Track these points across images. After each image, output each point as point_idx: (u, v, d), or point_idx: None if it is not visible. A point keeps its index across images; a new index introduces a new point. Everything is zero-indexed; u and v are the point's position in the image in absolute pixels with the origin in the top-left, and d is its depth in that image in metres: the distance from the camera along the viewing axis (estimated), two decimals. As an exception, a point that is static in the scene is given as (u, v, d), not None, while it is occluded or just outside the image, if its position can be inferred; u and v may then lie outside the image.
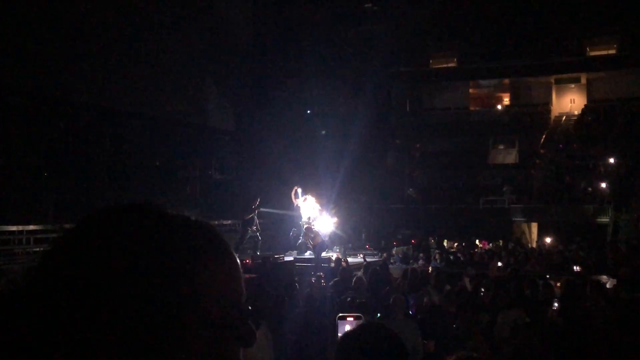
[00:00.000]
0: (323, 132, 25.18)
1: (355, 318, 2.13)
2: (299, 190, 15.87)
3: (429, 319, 6.26)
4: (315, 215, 15.75)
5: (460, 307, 6.54)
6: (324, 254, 14.97)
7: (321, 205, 16.38)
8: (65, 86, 16.41)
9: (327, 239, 15.70)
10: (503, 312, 6.45)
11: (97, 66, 17.06)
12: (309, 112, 25.59)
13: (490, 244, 20.44)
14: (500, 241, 20.09)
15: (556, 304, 6.89)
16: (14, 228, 13.36)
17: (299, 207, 15.86)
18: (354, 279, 9.39)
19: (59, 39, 16.04)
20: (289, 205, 16.41)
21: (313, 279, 9.54)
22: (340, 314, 2.19)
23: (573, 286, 7.76)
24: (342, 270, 11.27)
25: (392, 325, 5.51)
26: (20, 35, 14.93)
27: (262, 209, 15.67)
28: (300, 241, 15.99)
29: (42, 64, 15.46)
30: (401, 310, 6.04)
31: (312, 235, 15.32)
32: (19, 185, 15.20)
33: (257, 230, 15.32)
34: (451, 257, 19.02)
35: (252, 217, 15.18)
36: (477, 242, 20.87)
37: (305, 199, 15.84)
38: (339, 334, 1.92)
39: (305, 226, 15.57)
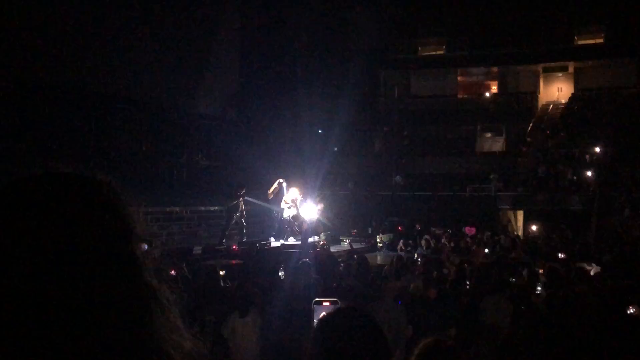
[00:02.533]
0: (310, 122, 25.10)
1: (332, 303, 2.09)
2: (284, 185, 15.86)
3: (412, 305, 6.27)
4: (293, 212, 15.80)
5: (441, 293, 6.55)
6: (310, 240, 15.02)
7: (305, 193, 16.42)
8: (50, 70, 16.20)
9: (312, 225, 15.76)
10: (486, 298, 6.47)
11: (82, 50, 16.86)
12: (295, 98, 25.44)
13: (478, 234, 20.53)
14: (488, 232, 20.19)
15: (539, 289, 6.91)
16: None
17: (279, 198, 15.96)
18: (342, 265, 9.40)
19: (45, 23, 15.82)
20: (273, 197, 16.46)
21: (298, 265, 9.51)
22: (317, 299, 2.15)
23: (557, 273, 7.79)
24: (327, 257, 11.27)
25: (380, 310, 5.51)
26: (6, 20, 14.71)
27: (247, 198, 15.64)
28: (285, 228, 16.04)
29: (26, 47, 15.25)
30: (391, 296, 6.04)
31: (299, 222, 15.37)
32: (2, 168, 15.02)
33: (242, 217, 15.30)
34: (438, 245, 19.09)
35: (237, 204, 15.15)
36: (464, 229, 20.93)
37: (288, 192, 15.89)
38: (315, 320, 1.87)
39: (292, 214, 15.63)
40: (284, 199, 15.78)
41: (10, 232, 0.67)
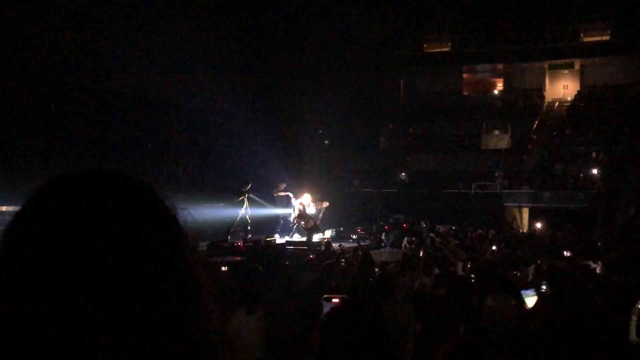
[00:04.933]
0: (314, 119, 25.09)
1: (341, 299, 2.12)
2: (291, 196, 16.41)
3: (418, 302, 6.29)
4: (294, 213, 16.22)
5: (449, 290, 6.56)
6: (315, 238, 15.14)
7: (315, 198, 16.82)
8: (57, 66, 16.24)
9: (318, 222, 15.92)
10: (490, 295, 6.48)
11: (87, 46, 16.89)
12: (301, 96, 25.42)
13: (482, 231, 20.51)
14: (492, 231, 20.19)
15: (544, 287, 6.91)
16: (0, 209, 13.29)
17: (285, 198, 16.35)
18: (343, 262, 9.42)
19: (49, 18, 15.85)
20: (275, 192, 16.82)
21: (304, 262, 9.56)
22: (326, 295, 2.18)
23: (558, 271, 7.79)
24: (331, 254, 11.30)
25: (390, 306, 5.54)
26: (8, 14, 14.74)
27: (250, 195, 15.74)
28: (292, 225, 16.24)
29: (33, 43, 15.29)
30: (401, 292, 6.05)
31: (306, 220, 15.49)
32: (6, 165, 15.08)
33: (247, 213, 15.39)
34: (443, 242, 19.07)
35: (242, 200, 15.24)
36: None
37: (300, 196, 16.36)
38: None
39: (297, 211, 15.82)
40: (299, 201, 16.10)
41: (70, 228, 0.65)
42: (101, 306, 0.63)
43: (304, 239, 15.40)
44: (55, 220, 0.66)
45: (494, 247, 15.15)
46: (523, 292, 5.85)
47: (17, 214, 0.70)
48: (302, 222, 15.69)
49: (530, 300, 5.80)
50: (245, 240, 14.82)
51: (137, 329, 0.65)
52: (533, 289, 5.92)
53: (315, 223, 15.59)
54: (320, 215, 16.73)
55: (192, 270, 0.71)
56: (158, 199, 0.73)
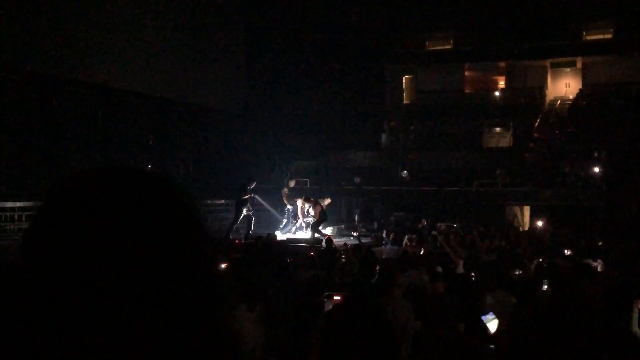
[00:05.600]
0: (316, 115, 25.09)
1: (342, 297, 2.12)
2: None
3: (418, 300, 6.29)
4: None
5: (449, 288, 6.57)
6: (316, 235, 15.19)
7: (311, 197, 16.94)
8: (59, 62, 16.26)
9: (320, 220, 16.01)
10: (490, 293, 6.49)
11: (91, 43, 16.90)
12: (303, 93, 25.41)
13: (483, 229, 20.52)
14: (492, 228, 20.21)
15: (545, 287, 6.93)
16: (5, 204, 13.32)
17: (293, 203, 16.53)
18: (345, 259, 9.44)
19: (54, 15, 15.86)
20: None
21: (305, 258, 9.57)
22: (327, 293, 2.19)
23: (557, 270, 7.80)
24: (332, 251, 11.32)
25: (389, 303, 5.55)
26: (13, 10, 14.74)
27: (254, 196, 15.81)
28: (293, 222, 16.38)
29: (36, 40, 15.30)
30: (400, 289, 6.06)
31: (311, 206, 15.72)
32: (10, 161, 15.12)
33: (250, 210, 15.44)
34: (444, 240, 19.05)
35: (247, 198, 15.33)
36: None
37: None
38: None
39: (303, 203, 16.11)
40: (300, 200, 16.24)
41: (94, 226, 0.64)
42: (128, 305, 0.62)
43: (307, 236, 15.47)
44: (80, 217, 0.64)
45: (493, 246, 15.17)
46: (483, 317, 5.69)
47: (40, 210, 0.68)
48: (307, 218, 15.87)
49: (492, 325, 5.66)
50: (246, 237, 14.85)
51: (163, 327, 0.64)
52: (492, 312, 5.77)
53: (319, 215, 15.71)
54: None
55: (214, 270, 0.72)
56: (182, 197, 0.72)
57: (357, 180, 24.22)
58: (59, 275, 0.62)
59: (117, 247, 0.63)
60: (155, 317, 0.63)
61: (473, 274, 8.64)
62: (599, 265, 10.53)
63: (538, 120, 29.65)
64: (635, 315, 5.22)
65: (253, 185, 15.52)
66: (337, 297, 2.13)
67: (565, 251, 14.64)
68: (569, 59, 31.29)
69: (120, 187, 0.68)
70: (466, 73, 33.70)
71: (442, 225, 20.55)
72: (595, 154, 24.88)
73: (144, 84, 19.05)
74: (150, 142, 19.80)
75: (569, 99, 31.06)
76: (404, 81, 33.58)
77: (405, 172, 26.60)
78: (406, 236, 18.94)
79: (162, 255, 0.65)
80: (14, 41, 14.91)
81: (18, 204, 13.44)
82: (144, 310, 0.63)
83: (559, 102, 31.23)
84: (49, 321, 0.62)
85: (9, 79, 15.37)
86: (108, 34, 17.42)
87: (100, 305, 0.61)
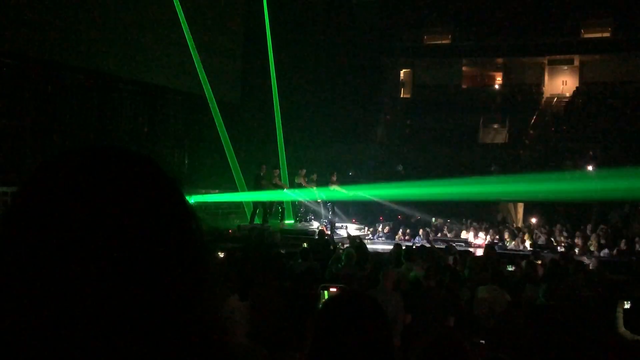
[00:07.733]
0: (311, 109, 25.05)
1: (339, 289, 2.12)
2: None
3: (410, 293, 6.32)
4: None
5: (440, 282, 6.60)
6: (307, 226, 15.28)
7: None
8: (54, 48, 16.15)
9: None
10: (481, 288, 6.53)
11: (88, 29, 16.80)
12: (299, 86, 25.33)
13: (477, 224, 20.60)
14: (486, 224, 20.28)
15: (539, 284, 6.96)
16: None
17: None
18: (343, 252, 9.46)
19: (49, 0, 15.75)
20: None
21: (297, 250, 9.58)
22: (323, 284, 2.18)
23: (558, 266, 7.85)
24: (324, 242, 11.35)
25: (378, 295, 5.57)
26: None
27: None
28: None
29: (30, 25, 15.19)
30: (390, 282, 6.08)
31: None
32: (2, 146, 15.05)
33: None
34: (438, 234, 19.19)
35: (265, 184, 15.81)
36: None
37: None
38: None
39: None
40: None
41: (74, 209, 0.62)
42: (111, 289, 0.60)
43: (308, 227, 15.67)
44: (57, 199, 0.62)
45: (486, 241, 15.24)
46: None
47: (15, 194, 0.66)
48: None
49: None
50: (239, 227, 14.87)
51: (148, 309, 0.62)
52: None
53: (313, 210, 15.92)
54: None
55: (202, 251, 0.69)
56: (167, 176, 0.70)
57: (351, 173, 24.23)
58: (38, 260, 0.60)
59: (100, 227, 0.61)
60: (139, 300, 0.61)
61: (465, 268, 8.68)
62: (590, 263, 10.59)
63: (534, 117, 29.70)
64: (620, 316, 5.27)
65: (263, 172, 15.84)
66: (333, 289, 2.12)
67: (558, 248, 14.72)
68: (567, 56, 31.30)
69: (102, 166, 0.66)
70: (464, 68, 33.70)
71: (435, 220, 20.62)
72: (591, 153, 24.95)
73: (139, 71, 18.96)
74: (145, 130, 19.75)
75: (566, 97, 31.11)
76: (401, 75, 33.56)
77: (400, 166, 26.60)
78: (400, 229, 19.03)
79: (146, 235, 0.63)
80: (9, 26, 14.80)
81: (12, 189, 13.39)
82: (127, 295, 0.61)
83: (555, 99, 31.28)
84: (30, 308, 0.59)
85: (2, 63, 15.25)
86: (104, 20, 17.32)
87: (84, 292, 0.59)
